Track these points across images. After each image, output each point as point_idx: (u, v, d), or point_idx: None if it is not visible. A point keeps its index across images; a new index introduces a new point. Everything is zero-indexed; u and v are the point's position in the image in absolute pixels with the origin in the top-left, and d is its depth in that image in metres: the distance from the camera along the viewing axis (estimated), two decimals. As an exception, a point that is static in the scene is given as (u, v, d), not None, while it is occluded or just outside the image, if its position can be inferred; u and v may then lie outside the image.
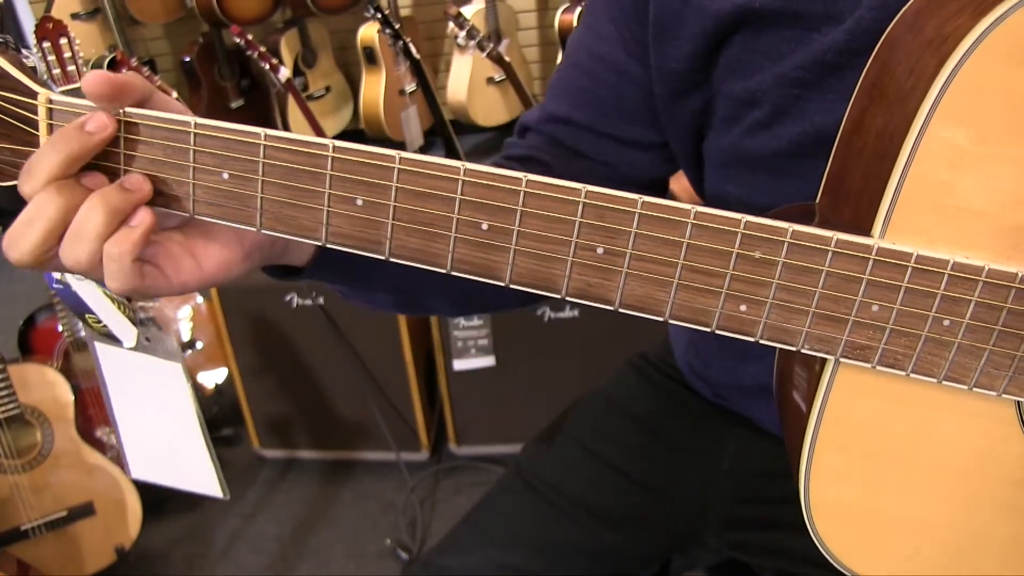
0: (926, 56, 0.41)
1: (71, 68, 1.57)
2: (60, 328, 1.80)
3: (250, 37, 2.86)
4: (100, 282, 0.50)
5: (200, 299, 2.08)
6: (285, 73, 2.96)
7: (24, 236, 0.45)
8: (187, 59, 3.42)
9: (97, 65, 3.16)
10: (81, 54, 1.58)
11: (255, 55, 2.88)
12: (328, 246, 0.48)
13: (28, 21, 3.29)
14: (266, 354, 1.90)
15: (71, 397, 1.65)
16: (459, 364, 1.82)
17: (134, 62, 2.63)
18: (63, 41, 1.57)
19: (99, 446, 1.74)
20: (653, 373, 0.91)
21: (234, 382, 1.94)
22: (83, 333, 1.78)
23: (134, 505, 1.72)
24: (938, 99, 0.41)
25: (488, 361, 1.82)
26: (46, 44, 1.53)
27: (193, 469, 0.60)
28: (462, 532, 0.87)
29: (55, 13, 3.04)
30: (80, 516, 1.66)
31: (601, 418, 0.90)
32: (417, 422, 1.93)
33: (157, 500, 1.88)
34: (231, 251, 0.51)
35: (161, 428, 0.60)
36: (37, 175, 0.45)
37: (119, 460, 1.77)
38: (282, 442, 2.03)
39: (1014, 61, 0.40)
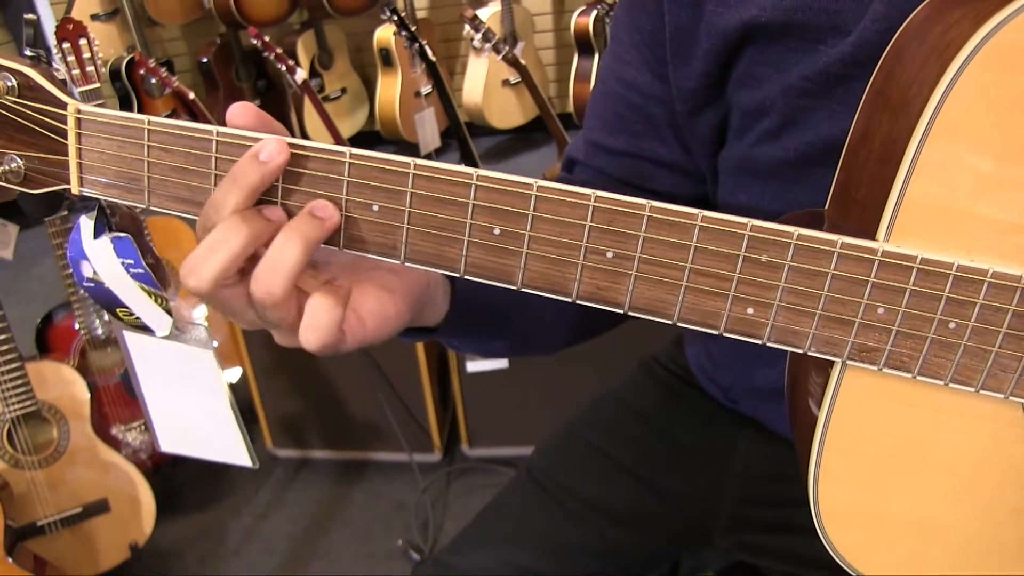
0: (929, 63, 0.42)
1: (90, 68, 1.60)
2: (77, 326, 1.82)
3: (267, 38, 2.89)
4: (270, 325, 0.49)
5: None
6: (301, 74, 2.98)
7: (206, 263, 0.45)
8: (204, 60, 3.46)
9: (116, 65, 3.20)
10: (100, 55, 1.60)
11: (272, 56, 2.90)
12: (454, 304, 0.53)
13: (49, 22, 3.33)
14: (280, 354, 1.91)
15: (87, 395, 1.67)
16: (472, 366, 1.83)
17: (152, 63, 2.66)
18: (83, 42, 1.59)
19: (114, 443, 1.76)
20: (665, 375, 0.92)
21: (248, 382, 1.96)
22: (100, 331, 1.80)
23: (148, 502, 1.73)
24: (940, 105, 0.41)
25: (501, 364, 1.83)
26: (66, 45, 1.55)
27: (223, 442, 0.63)
28: (473, 532, 0.88)
29: (75, 14, 3.07)
30: (95, 512, 1.68)
31: (613, 419, 0.91)
32: (430, 423, 1.94)
33: (171, 498, 1.90)
34: (384, 308, 0.51)
35: (191, 406, 0.63)
36: (222, 208, 0.45)
37: (134, 457, 1.80)
38: (295, 442, 2.05)
39: (1013, 67, 0.40)
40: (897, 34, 0.47)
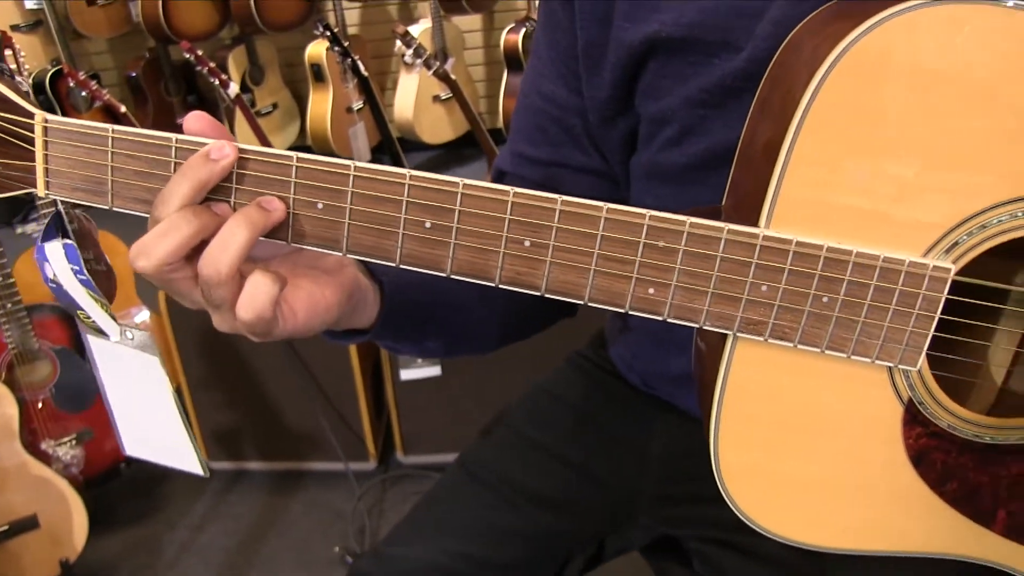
0: (802, 74, 0.49)
1: (17, 79, 1.59)
2: (6, 340, 1.79)
3: (199, 52, 2.88)
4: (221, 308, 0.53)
5: (147, 312, 2.08)
6: (234, 89, 2.98)
7: (157, 246, 0.50)
8: (133, 74, 3.42)
9: (40, 78, 3.13)
10: (27, 66, 1.59)
11: (205, 70, 2.89)
12: (384, 308, 0.60)
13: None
14: (214, 366, 1.92)
15: (16, 410, 1.64)
16: (406, 374, 1.86)
17: (81, 75, 2.63)
18: (7, 52, 1.58)
19: (45, 458, 1.74)
20: (588, 366, 0.98)
21: (183, 395, 1.95)
22: (28, 346, 1.78)
23: (80, 517, 1.70)
24: (807, 109, 0.48)
25: (434, 371, 1.86)
26: (-12, 54, 1.54)
27: (175, 448, 0.66)
28: (410, 523, 0.91)
29: (-7, 24, 3.01)
30: (23, 530, 1.64)
31: (539, 409, 0.96)
32: (365, 432, 1.97)
33: (105, 512, 1.88)
34: (315, 300, 0.56)
35: (146, 412, 0.66)
36: (169, 202, 0.50)
37: (65, 472, 1.77)
38: (230, 453, 2.05)
39: (865, 75, 0.48)
40: (780, 48, 0.54)
